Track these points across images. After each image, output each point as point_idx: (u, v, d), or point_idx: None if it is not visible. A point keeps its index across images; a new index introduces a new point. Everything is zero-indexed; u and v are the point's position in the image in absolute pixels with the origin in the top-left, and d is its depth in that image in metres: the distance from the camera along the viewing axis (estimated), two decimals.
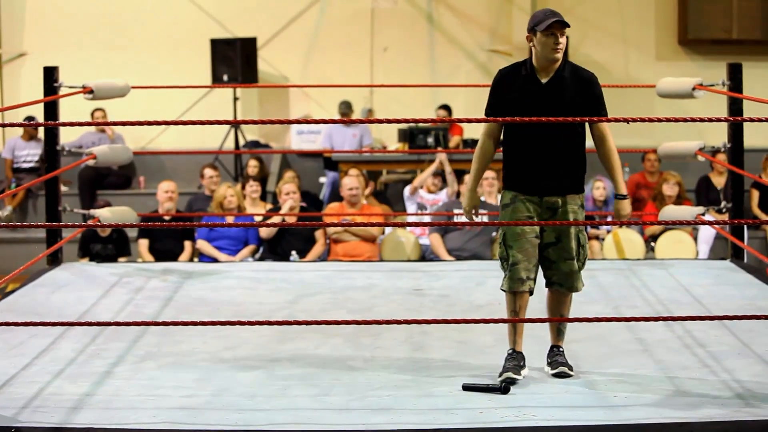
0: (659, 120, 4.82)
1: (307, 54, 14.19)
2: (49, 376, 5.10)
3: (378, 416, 4.53)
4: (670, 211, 7.82)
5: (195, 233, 10.33)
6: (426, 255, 10.23)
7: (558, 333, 5.21)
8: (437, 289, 7.04)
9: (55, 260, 7.59)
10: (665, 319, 5.64)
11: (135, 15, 14.04)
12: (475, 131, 11.82)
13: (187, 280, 7.29)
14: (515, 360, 5.02)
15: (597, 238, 10.93)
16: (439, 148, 12.03)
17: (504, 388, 4.78)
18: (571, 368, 5.08)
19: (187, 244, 10.35)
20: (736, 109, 7.44)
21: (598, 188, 11.45)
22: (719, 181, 12.00)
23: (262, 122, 4.92)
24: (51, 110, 7.49)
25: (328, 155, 13.08)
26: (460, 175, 10.64)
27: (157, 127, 13.84)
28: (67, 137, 9.66)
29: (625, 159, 13.40)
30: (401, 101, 13.60)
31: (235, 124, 13.19)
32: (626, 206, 5.32)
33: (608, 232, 10.75)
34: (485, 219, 9.26)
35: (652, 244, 10.71)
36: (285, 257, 9.93)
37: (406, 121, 5.14)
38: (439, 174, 11.26)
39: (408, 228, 10.53)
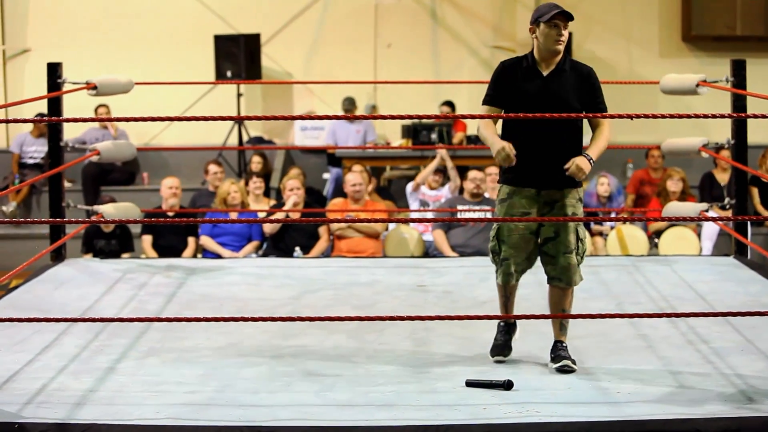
0: (663, 116, 4.83)
1: (310, 50, 14.19)
2: (53, 372, 5.11)
3: (381, 412, 4.53)
4: (673, 208, 7.82)
5: (198, 229, 10.34)
6: (429, 251, 10.23)
7: (561, 328, 5.24)
8: (440, 285, 7.05)
9: (58, 256, 7.61)
10: (668, 315, 5.64)
11: (138, 11, 14.04)
12: None
13: (191, 276, 7.30)
14: (507, 333, 5.32)
15: (600, 234, 10.92)
16: (441, 144, 12.02)
17: (507, 384, 4.79)
18: (574, 362, 5.10)
19: (191, 240, 10.35)
20: (739, 106, 7.43)
21: (602, 184, 11.44)
22: (723, 177, 11.99)
23: (266, 118, 4.93)
24: (54, 106, 7.50)
25: (332, 151, 13.07)
26: (462, 171, 10.64)
27: (160, 123, 13.84)
28: (70, 133, 9.66)
29: (629, 155, 13.48)
30: (405, 97, 13.59)
31: (239, 120, 13.19)
32: (585, 163, 5.03)
33: (612, 228, 10.74)
34: (489, 215, 9.26)
35: (656, 240, 10.70)
36: (288, 253, 9.94)
37: (410, 117, 5.13)
38: (441, 170, 11.26)
39: (411, 224, 10.53)
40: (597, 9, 14.09)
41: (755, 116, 4.86)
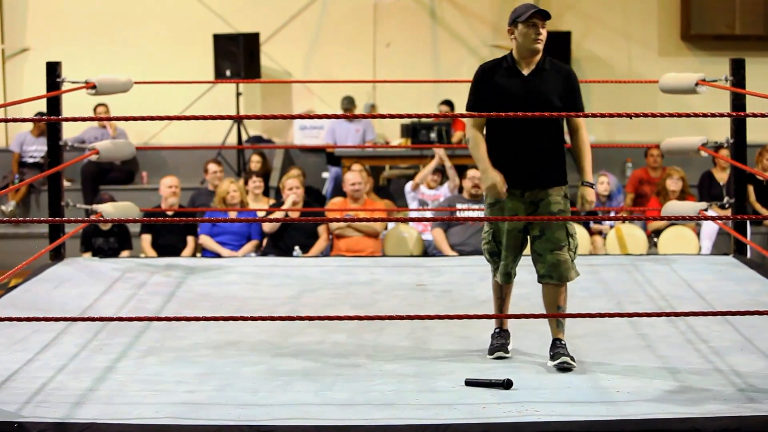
0: (662, 115, 4.83)
1: (309, 49, 14.18)
2: (52, 372, 5.11)
3: (380, 411, 4.53)
4: (672, 207, 7.83)
5: (198, 228, 10.34)
6: (428, 250, 10.23)
7: (558, 325, 5.26)
8: (440, 284, 7.05)
9: (57, 255, 7.60)
10: (668, 314, 5.64)
11: (138, 10, 14.03)
12: None
13: (190, 275, 7.29)
14: (503, 338, 5.34)
15: (600, 233, 10.92)
16: (440, 144, 12.02)
17: (507, 383, 4.79)
18: (573, 360, 5.11)
19: (190, 239, 10.35)
20: (738, 105, 7.44)
21: (602, 183, 11.44)
22: (722, 176, 11.99)
23: (265, 117, 4.90)
24: (54, 105, 7.49)
25: (331, 150, 13.08)
26: (461, 170, 10.64)
27: (159, 123, 13.84)
28: (69, 133, 9.66)
29: (628, 154, 13.47)
30: (404, 96, 13.59)
31: (238, 120, 13.18)
32: (591, 193, 5.31)
33: (611, 227, 10.74)
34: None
35: (655, 239, 10.70)
36: (288, 252, 9.94)
37: (409, 116, 5.14)
38: (440, 170, 11.26)
39: (410, 223, 10.53)
40: (596, 8, 14.09)
41: (754, 115, 4.86)
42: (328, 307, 6.45)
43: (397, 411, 4.53)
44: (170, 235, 10.33)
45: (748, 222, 8.53)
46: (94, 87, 7.29)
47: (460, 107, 13.44)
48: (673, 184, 11.05)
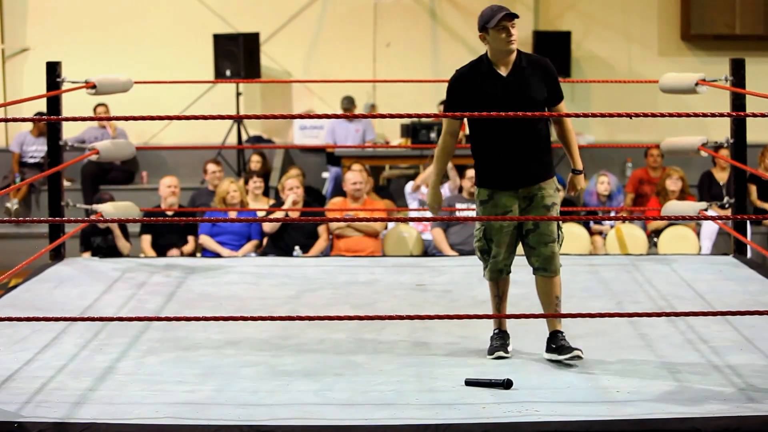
0: (662, 115, 4.83)
1: (309, 49, 14.18)
2: (52, 372, 5.11)
3: (380, 411, 4.53)
4: (672, 207, 7.83)
5: (198, 228, 10.34)
6: (428, 250, 10.23)
7: (555, 318, 5.31)
8: (440, 284, 7.05)
9: (57, 255, 7.60)
10: (668, 314, 5.63)
11: (138, 10, 14.03)
12: None
13: (190, 275, 7.29)
14: (502, 339, 5.33)
15: (600, 233, 10.92)
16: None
17: (507, 383, 4.79)
18: (580, 350, 5.14)
19: (190, 239, 10.35)
20: (738, 105, 7.44)
21: (602, 183, 11.44)
22: (722, 176, 11.99)
23: (265, 117, 4.90)
24: (54, 105, 7.49)
25: (331, 150, 13.08)
26: (461, 170, 10.64)
27: (159, 122, 13.83)
28: (69, 132, 9.65)
29: (628, 154, 13.47)
30: (404, 96, 13.59)
31: (238, 119, 13.19)
32: (581, 180, 5.44)
33: (611, 227, 10.74)
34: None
35: (655, 239, 10.71)
36: (288, 252, 9.94)
37: (409, 116, 5.16)
38: None
39: (410, 223, 10.53)
40: (596, 8, 14.09)
41: (754, 115, 4.86)
42: (328, 307, 6.45)
43: (397, 411, 4.53)
44: (170, 236, 10.33)
45: (748, 222, 8.53)
46: (94, 87, 7.29)
47: None
48: (673, 184, 11.06)
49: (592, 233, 10.83)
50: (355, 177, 10.16)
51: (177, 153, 13.76)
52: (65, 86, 7.43)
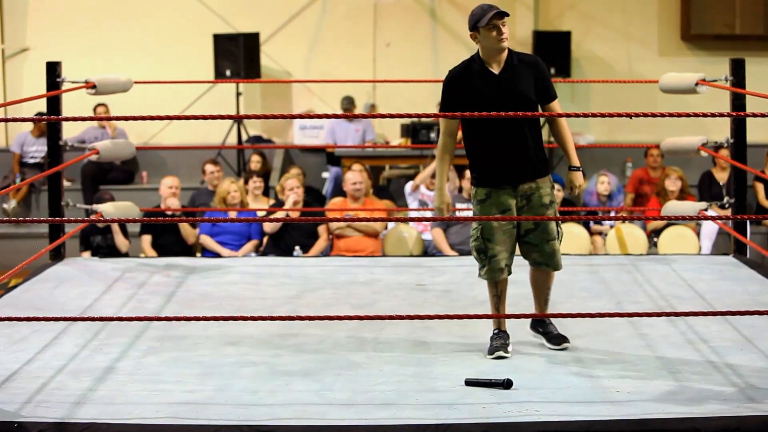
0: (662, 115, 4.84)
1: (309, 49, 14.19)
2: (52, 372, 5.11)
3: (380, 411, 4.53)
4: (672, 207, 7.83)
5: (198, 228, 10.33)
6: (428, 250, 10.23)
7: (545, 304, 5.53)
8: (440, 284, 7.05)
9: (57, 255, 7.60)
10: (668, 314, 5.64)
11: (137, 10, 14.04)
12: None
13: (190, 275, 7.29)
14: (502, 339, 5.35)
15: (600, 233, 10.92)
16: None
17: (506, 383, 4.79)
18: (568, 343, 5.40)
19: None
20: (738, 105, 7.44)
21: (602, 183, 11.44)
22: (722, 176, 12.00)
23: (265, 117, 4.90)
24: (54, 105, 7.49)
25: (331, 150, 13.08)
26: (460, 169, 10.64)
27: (159, 123, 13.84)
28: (69, 132, 9.66)
29: (628, 154, 13.47)
30: (404, 96, 13.59)
31: (238, 119, 13.19)
32: (579, 177, 5.47)
33: (611, 227, 10.74)
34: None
35: (655, 239, 10.71)
36: (288, 252, 9.94)
37: (409, 116, 5.16)
38: None
39: (410, 223, 10.53)
40: (596, 8, 14.09)
41: (754, 115, 4.86)
42: (328, 306, 6.45)
43: (397, 411, 4.53)
44: (170, 236, 10.32)
45: (747, 222, 8.53)
46: (94, 87, 7.29)
47: None
48: (672, 184, 11.06)
49: (592, 233, 10.83)
50: (356, 177, 10.16)
51: (177, 153, 13.77)
52: (65, 86, 7.42)
